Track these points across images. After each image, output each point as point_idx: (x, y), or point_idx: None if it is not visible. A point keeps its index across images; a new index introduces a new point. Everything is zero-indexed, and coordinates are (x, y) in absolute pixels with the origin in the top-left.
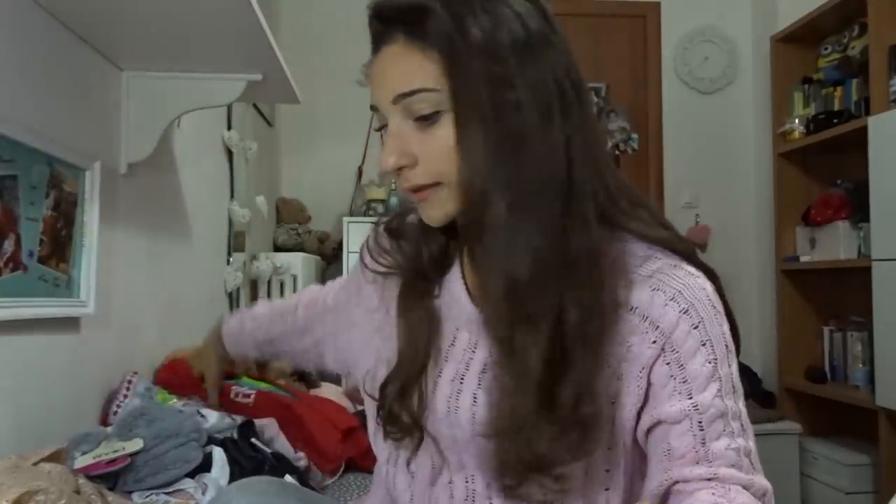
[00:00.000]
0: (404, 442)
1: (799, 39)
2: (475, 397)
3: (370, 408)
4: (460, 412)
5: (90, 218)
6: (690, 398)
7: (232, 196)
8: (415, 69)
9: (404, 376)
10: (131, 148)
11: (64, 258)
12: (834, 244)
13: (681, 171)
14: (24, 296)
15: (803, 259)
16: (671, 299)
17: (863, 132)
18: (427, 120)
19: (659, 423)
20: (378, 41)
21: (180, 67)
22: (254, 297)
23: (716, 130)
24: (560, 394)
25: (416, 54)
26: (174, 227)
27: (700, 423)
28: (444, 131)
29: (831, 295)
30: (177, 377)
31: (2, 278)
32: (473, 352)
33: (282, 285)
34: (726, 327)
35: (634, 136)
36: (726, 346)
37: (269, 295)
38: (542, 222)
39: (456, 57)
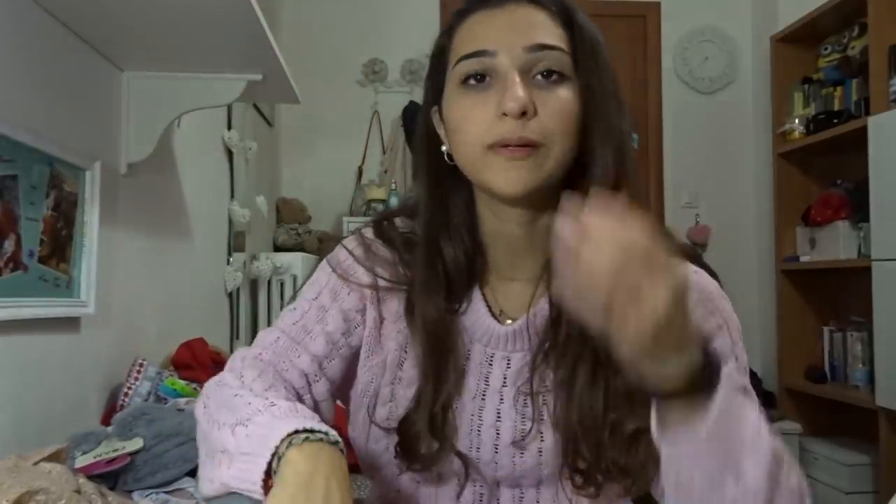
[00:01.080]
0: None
1: (799, 39)
2: (499, 414)
3: (377, 433)
4: (483, 429)
5: (90, 218)
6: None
7: (232, 196)
8: (552, 28)
9: (430, 406)
10: (131, 148)
11: (64, 258)
12: (834, 244)
13: (681, 171)
14: (25, 296)
15: (803, 259)
16: (710, 313)
17: (863, 132)
18: (554, 78)
19: None
20: (499, 3)
21: (180, 67)
22: (254, 297)
23: (716, 130)
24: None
25: (549, 17)
26: (174, 227)
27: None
28: (567, 94)
29: (831, 295)
30: (194, 357)
31: (2, 278)
32: (490, 365)
33: (282, 285)
34: (736, 317)
35: (634, 136)
36: (739, 330)
37: (268, 295)
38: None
39: (577, 33)
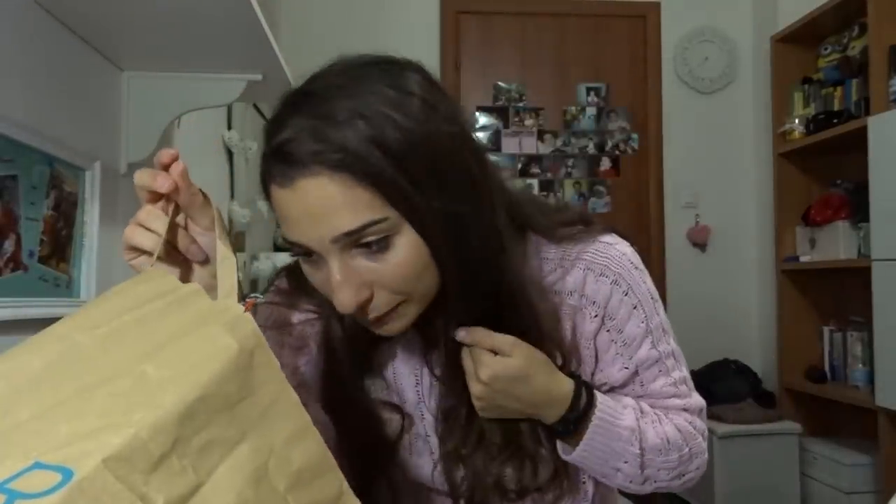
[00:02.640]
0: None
1: (799, 39)
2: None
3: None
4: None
5: (90, 218)
6: (630, 359)
7: (232, 196)
8: (356, 202)
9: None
10: (131, 148)
11: (64, 258)
12: (834, 244)
13: (681, 171)
14: (25, 296)
15: (803, 259)
16: (600, 275)
17: (863, 132)
18: (378, 246)
19: (606, 384)
20: (288, 175)
21: (180, 67)
22: None
23: (716, 130)
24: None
25: (351, 187)
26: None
27: (637, 372)
28: (399, 251)
29: (831, 295)
30: None
31: (2, 278)
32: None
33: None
34: (649, 280)
35: (634, 136)
36: (652, 298)
37: None
38: (505, 258)
39: (386, 185)
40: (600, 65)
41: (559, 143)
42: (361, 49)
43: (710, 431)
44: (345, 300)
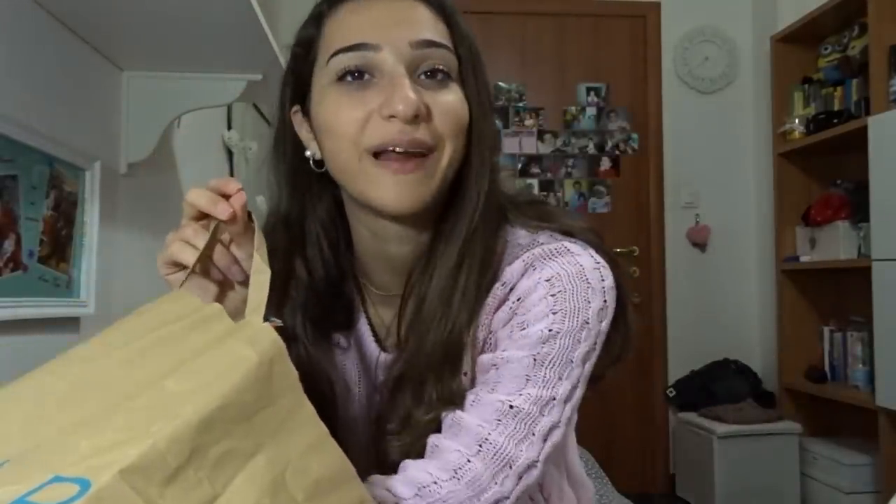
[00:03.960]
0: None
1: (799, 39)
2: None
3: None
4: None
5: (90, 218)
6: (505, 351)
7: None
8: (436, 25)
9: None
10: (131, 148)
11: (64, 258)
12: (834, 244)
13: (681, 171)
14: (25, 296)
15: (803, 259)
16: (537, 269)
17: (863, 132)
18: (441, 78)
19: (468, 374)
20: None
21: (180, 67)
22: None
23: (716, 130)
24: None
25: (432, 13)
26: (174, 227)
27: (497, 368)
28: (454, 96)
29: (831, 295)
30: None
31: (2, 278)
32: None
33: None
34: (596, 303)
35: (634, 136)
36: (584, 322)
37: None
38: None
39: (458, 32)
40: (600, 65)
41: (559, 143)
42: None
43: (710, 431)
44: (410, 95)
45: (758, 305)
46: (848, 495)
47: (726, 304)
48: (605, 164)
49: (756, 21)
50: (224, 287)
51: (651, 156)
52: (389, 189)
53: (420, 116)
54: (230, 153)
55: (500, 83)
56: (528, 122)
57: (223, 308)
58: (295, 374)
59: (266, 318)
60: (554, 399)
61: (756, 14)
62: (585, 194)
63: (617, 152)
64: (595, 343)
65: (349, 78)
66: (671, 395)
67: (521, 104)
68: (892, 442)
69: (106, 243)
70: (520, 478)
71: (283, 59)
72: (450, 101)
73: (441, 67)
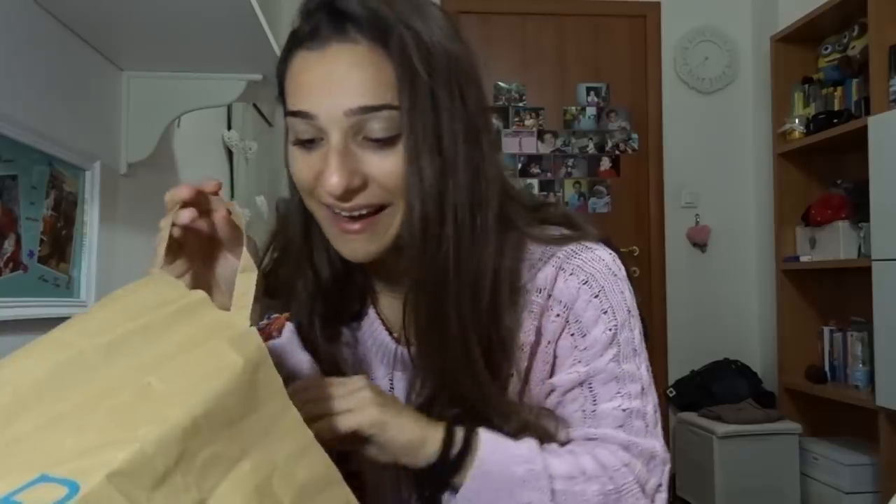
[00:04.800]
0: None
1: (799, 39)
2: None
3: None
4: None
5: (90, 218)
6: (587, 365)
7: (232, 196)
8: (381, 80)
9: None
10: (131, 148)
11: (64, 258)
12: (834, 244)
13: (681, 171)
14: (25, 296)
15: (803, 259)
16: (571, 274)
17: (863, 132)
18: (384, 143)
19: (553, 390)
20: (323, 37)
21: (180, 67)
22: None
23: (716, 130)
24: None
25: (381, 64)
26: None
27: (591, 385)
28: (394, 158)
29: (831, 295)
30: None
31: (2, 278)
32: (392, 386)
33: None
34: (629, 292)
35: (634, 136)
36: (628, 310)
37: None
38: (477, 236)
39: (414, 78)
40: (600, 65)
41: (559, 143)
42: None
43: (710, 431)
44: (338, 179)
45: (758, 305)
46: (848, 495)
47: (726, 304)
48: (605, 164)
49: (756, 21)
50: (211, 260)
51: (651, 156)
52: (342, 244)
53: (353, 190)
54: (230, 153)
55: (500, 83)
56: (528, 122)
57: (208, 296)
58: (280, 379)
59: (269, 316)
60: (643, 387)
61: (756, 14)
62: (585, 194)
63: (617, 152)
64: (639, 325)
65: (302, 141)
66: (671, 395)
67: (521, 104)
68: (892, 442)
69: (106, 243)
70: (665, 465)
71: None
72: (388, 166)
73: (379, 135)
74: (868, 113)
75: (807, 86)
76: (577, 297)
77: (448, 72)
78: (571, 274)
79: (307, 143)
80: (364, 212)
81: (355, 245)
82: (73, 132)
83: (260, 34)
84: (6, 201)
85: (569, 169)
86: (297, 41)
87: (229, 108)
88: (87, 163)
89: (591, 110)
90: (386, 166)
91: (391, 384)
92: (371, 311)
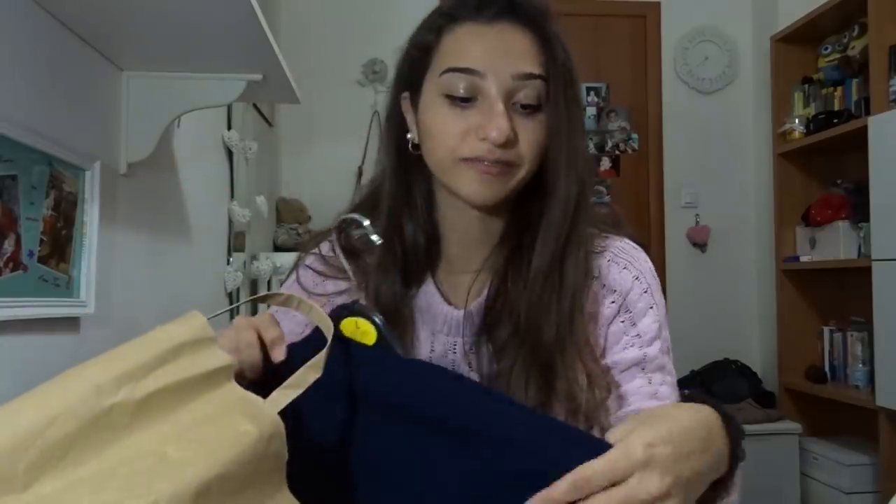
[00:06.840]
0: None
1: (799, 39)
2: None
3: None
4: None
5: (90, 218)
6: (641, 349)
7: (232, 196)
8: (536, 55)
9: None
10: (131, 148)
11: (64, 258)
12: (834, 244)
13: (681, 171)
14: (24, 296)
15: (803, 259)
16: (624, 267)
17: (863, 132)
18: (532, 108)
19: (610, 369)
20: (497, 14)
21: (180, 67)
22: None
23: (716, 130)
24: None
25: (534, 42)
26: (174, 227)
27: (645, 370)
28: (541, 123)
29: (831, 295)
30: None
31: (2, 278)
32: (454, 353)
33: (281, 285)
34: (661, 295)
35: (634, 136)
36: (665, 313)
37: None
38: (587, 205)
39: (554, 59)
40: (600, 65)
41: None
42: (361, 49)
43: None
44: (504, 125)
45: (758, 305)
46: (848, 495)
47: (726, 304)
48: (605, 164)
49: (756, 21)
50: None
51: (651, 156)
52: (473, 185)
53: (509, 142)
54: (230, 153)
55: None
56: None
57: (232, 366)
58: (285, 456)
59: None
60: (674, 383)
61: (756, 14)
62: None
63: (617, 152)
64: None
65: (456, 97)
66: None
67: None
68: (892, 442)
69: (106, 243)
70: None
71: (282, 59)
72: (535, 129)
73: (531, 101)
74: (868, 113)
75: (807, 86)
76: (631, 288)
77: (571, 68)
78: (625, 268)
79: (462, 101)
80: (510, 161)
81: (487, 186)
82: (73, 132)
83: (260, 34)
84: (6, 201)
85: None
86: (459, 16)
87: (229, 108)
88: (86, 163)
89: (590, 110)
90: (529, 132)
91: (432, 346)
92: (430, 281)
